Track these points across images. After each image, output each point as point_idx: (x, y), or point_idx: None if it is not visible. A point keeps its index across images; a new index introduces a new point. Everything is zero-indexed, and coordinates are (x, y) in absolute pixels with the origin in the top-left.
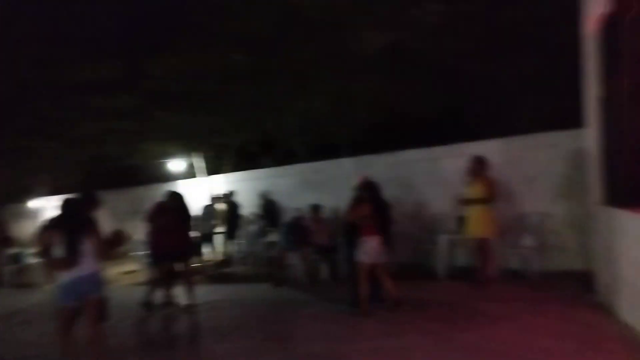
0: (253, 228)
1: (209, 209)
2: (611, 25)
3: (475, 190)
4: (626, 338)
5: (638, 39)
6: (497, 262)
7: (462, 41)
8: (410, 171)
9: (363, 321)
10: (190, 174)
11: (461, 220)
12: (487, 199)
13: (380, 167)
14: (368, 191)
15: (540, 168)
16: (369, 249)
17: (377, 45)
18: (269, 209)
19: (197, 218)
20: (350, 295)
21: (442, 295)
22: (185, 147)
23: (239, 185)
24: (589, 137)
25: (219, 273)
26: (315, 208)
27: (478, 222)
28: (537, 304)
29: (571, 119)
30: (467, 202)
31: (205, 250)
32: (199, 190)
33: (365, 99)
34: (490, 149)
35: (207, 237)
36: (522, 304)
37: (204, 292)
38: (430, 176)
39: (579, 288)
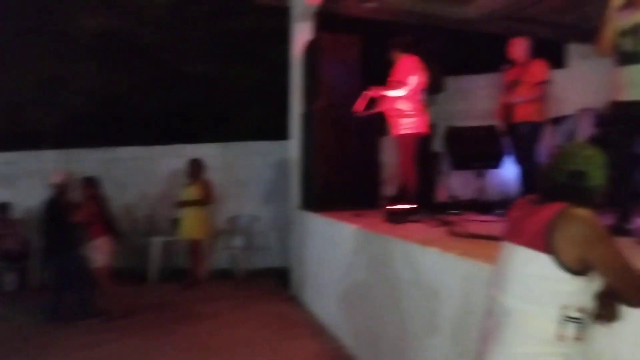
0: None
1: None
2: (312, 52)
3: (192, 192)
4: (310, 324)
5: (332, 66)
6: (208, 262)
7: (189, 43)
8: (125, 169)
9: (61, 334)
10: None
11: (176, 222)
12: (203, 201)
13: (91, 162)
14: (91, 188)
15: (252, 173)
16: (103, 250)
17: (93, 30)
18: None
19: None
20: (53, 306)
21: (153, 298)
22: None
23: None
24: (292, 148)
25: None
26: (3, 207)
27: (193, 224)
28: (241, 300)
29: (281, 131)
30: (183, 203)
31: None
32: None
33: (77, 87)
34: (207, 152)
35: None
36: (228, 301)
37: None
38: (146, 176)
39: (278, 284)
